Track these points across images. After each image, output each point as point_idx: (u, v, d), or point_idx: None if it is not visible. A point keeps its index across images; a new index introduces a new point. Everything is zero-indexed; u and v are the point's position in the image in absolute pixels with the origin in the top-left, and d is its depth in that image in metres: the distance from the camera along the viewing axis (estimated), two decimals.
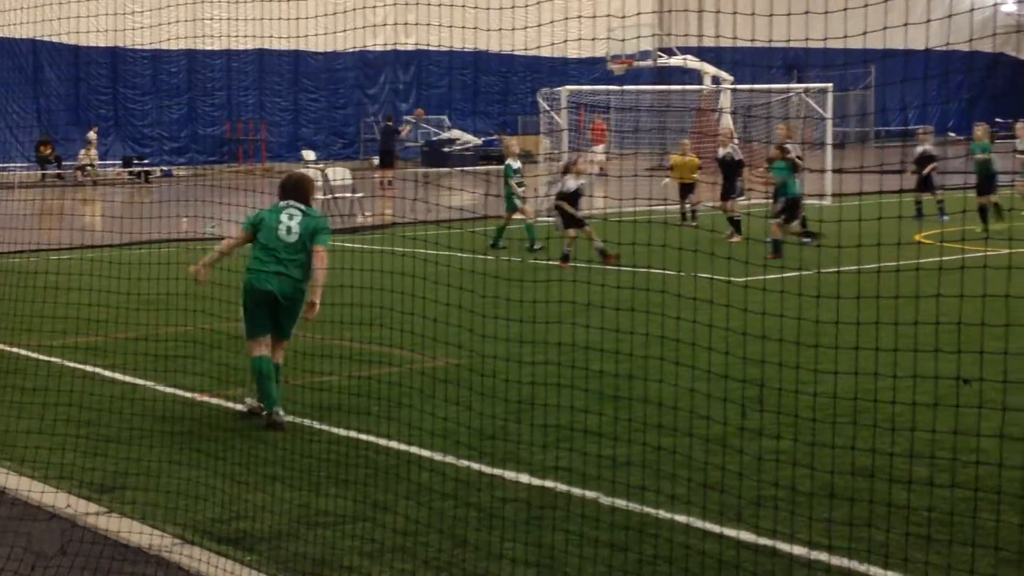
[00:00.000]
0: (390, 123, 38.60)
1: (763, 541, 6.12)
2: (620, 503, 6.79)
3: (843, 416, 7.96)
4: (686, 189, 24.11)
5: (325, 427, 8.83)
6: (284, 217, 9.30)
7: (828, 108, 31.35)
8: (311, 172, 28.75)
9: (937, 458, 7.31)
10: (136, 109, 49.12)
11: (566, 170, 19.39)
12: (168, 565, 6.22)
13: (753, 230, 20.47)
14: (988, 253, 14.83)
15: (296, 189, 9.56)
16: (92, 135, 45.05)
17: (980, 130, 23.37)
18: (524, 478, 7.37)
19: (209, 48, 48.11)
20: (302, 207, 9.41)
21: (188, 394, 9.96)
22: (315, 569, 6.01)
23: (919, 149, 24.98)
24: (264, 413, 8.99)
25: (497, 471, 7.51)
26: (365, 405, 8.98)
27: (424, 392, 9.14)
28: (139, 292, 10.58)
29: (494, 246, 20.18)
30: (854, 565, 5.81)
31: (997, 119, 36.04)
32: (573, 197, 18.80)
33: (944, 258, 17.42)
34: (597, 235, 18.21)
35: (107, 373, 10.89)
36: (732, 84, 37.13)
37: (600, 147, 29.71)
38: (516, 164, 21.49)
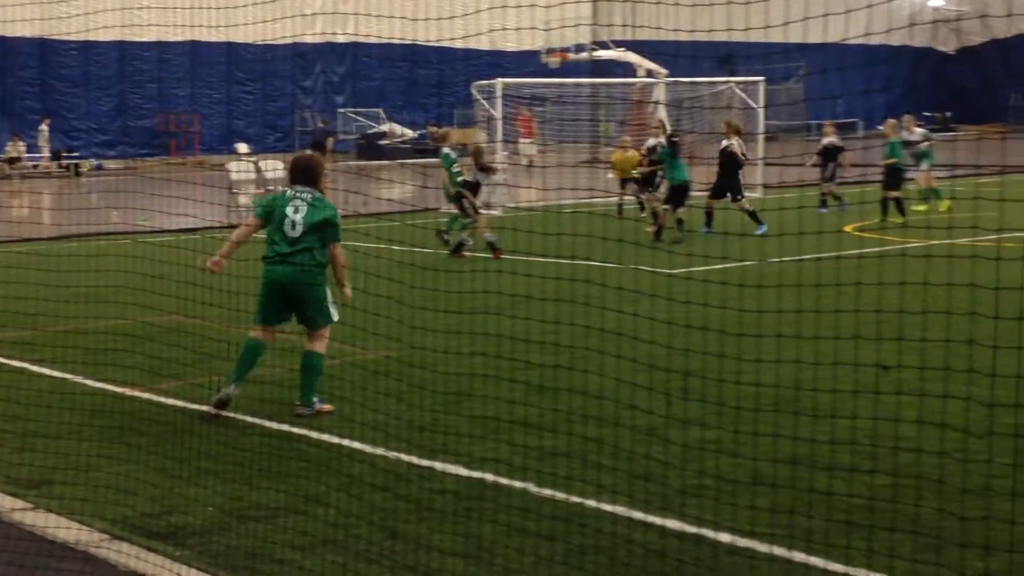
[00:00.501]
0: (325, 124, 38.49)
1: (690, 529, 6.19)
2: (551, 493, 6.84)
3: (768, 404, 8.07)
4: (625, 183, 24.42)
5: (258, 420, 8.79)
6: (290, 210, 9.10)
7: (760, 100, 31.64)
8: (241, 166, 28.60)
9: (858, 444, 7.43)
10: (65, 101, 48.50)
11: (480, 165, 19.50)
12: (96, 561, 6.17)
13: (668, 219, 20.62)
14: (907, 244, 15.07)
15: (304, 172, 9.35)
16: (44, 127, 44.44)
17: (888, 127, 23.86)
18: (457, 470, 7.39)
19: (140, 39, 47.59)
20: (309, 195, 9.19)
21: (119, 388, 9.87)
22: (247, 563, 5.99)
23: (824, 141, 25.44)
24: (218, 391, 8.93)
25: (430, 463, 7.53)
26: (299, 398, 8.97)
27: (357, 385, 9.13)
28: (69, 285, 10.53)
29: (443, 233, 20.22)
30: (778, 551, 5.89)
31: (925, 112, 36.53)
32: (475, 187, 19.12)
33: (865, 249, 17.74)
34: (489, 229, 18.56)
35: (36, 368, 10.77)
36: (666, 77, 37.32)
37: (528, 140, 29.84)
38: (455, 154, 21.54)
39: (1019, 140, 45.47)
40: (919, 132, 25.46)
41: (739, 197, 21.51)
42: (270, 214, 9.18)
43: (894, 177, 22.73)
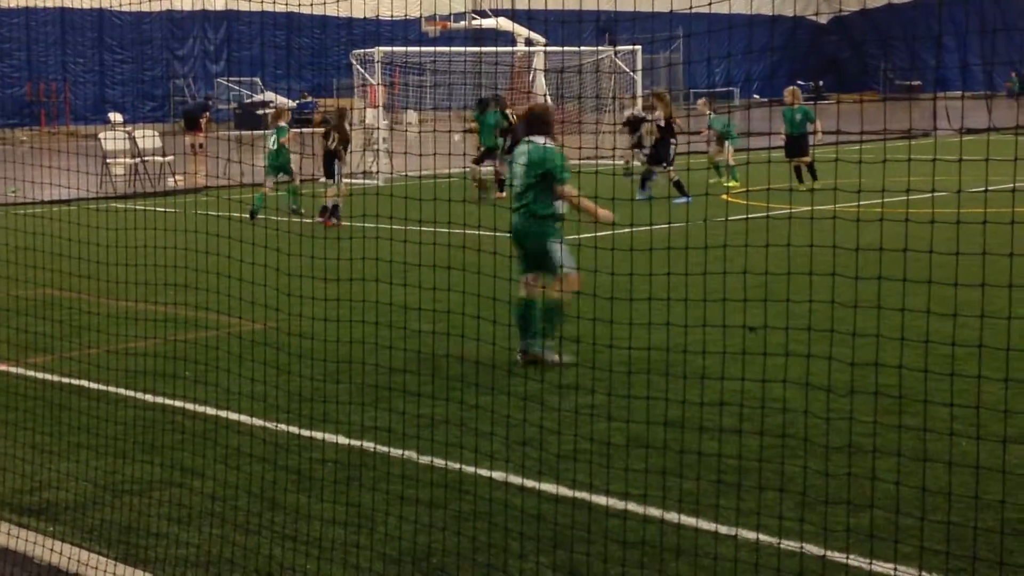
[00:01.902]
0: (208, 100, 37.82)
1: (569, 493, 6.22)
2: (436, 461, 6.81)
3: (656, 369, 8.13)
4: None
5: (134, 393, 8.60)
6: (516, 165, 9.34)
7: (637, 69, 31.86)
8: (114, 136, 27.91)
9: (746, 407, 7.52)
10: None
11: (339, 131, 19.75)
12: None
13: None
14: (793, 210, 15.32)
15: (536, 123, 9.49)
16: None
17: (789, 95, 24.06)
18: (338, 439, 7.32)
19: (7, 6, 46.16)
20: (530, 144, 9.30)
21: None
22: (123, 537, 5.86)
23: (627, 112, 25.62)
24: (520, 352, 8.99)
25: (311, 432, 7.44)
26: (176, 370, 8.79)
27: (236, 356, 8.98)
28: None
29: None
30: (653, 512, 5.94)
31: (799, 81, 37.17)
32: (335, 155, 19.49)
33: (751, 215, 18.00)
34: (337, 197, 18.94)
35: None
36: (545, 46, 37.36)
37: (372, 111, 29.72)
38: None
39: (890, 107, 46.54)
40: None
41: (667, 166, 21.92)
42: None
43: (798, 144, 22.88)
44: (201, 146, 29.62)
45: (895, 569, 5.19)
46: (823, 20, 69.52)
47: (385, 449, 7.07)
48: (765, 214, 18.02)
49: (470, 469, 6.64)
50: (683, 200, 20.15)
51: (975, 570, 5.18)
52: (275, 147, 20.37)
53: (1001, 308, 7.24)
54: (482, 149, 23.02)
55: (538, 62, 35.33)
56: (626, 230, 14.30)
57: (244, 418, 7.79)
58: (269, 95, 50.61)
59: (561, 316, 9.22)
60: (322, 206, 19.04)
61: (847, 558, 5.28)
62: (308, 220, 18.59)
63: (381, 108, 28.08)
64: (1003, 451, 6.23)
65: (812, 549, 5.44)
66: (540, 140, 9.41)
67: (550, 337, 9.15)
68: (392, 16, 50.89)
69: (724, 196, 21.29)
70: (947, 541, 5.42)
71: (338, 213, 18.88)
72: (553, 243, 9.20)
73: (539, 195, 9.21)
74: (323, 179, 19.73)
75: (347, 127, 19.83)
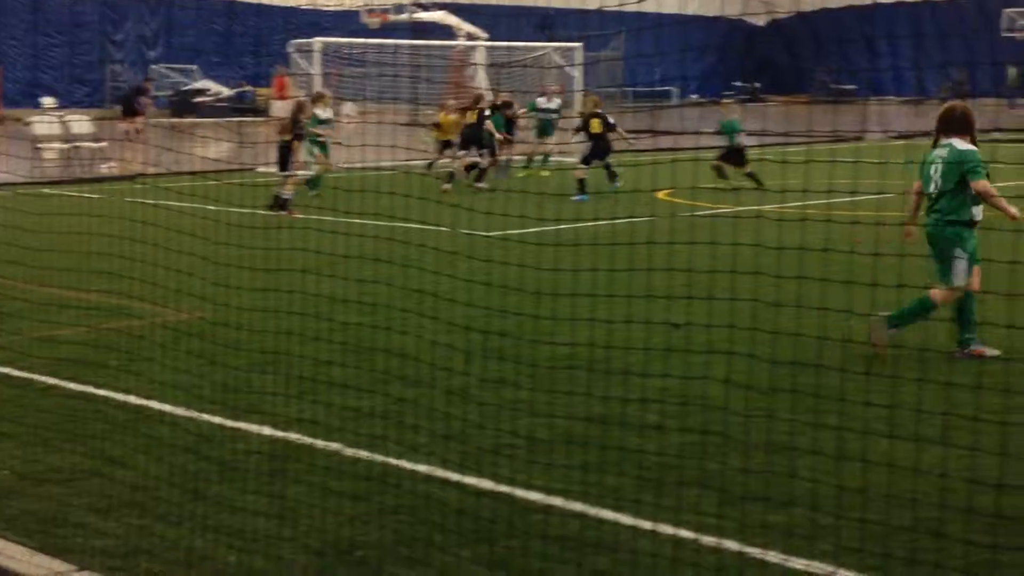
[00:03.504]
0: (147, 82, 37.33)
1: (498, 488, 6.26)
2: (362, 454, 6.82)
3: (582, 365, 8.19)
4: (446, 145, 24.57)
5: (59, 382, 8.52)
6: (931, 170, 8.86)
7: (577, 67, 31.97)
8: (46, 120, 27.55)
9: (668, 403, 7.60)
10: None
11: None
12: None
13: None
14: (720, 209, 15.47)
15: (955, 122, 8.97)
16: None
17: (724, 107, 24.35)
18: (266, 430, 7.31)
19: None
20: (948, 148, 8.83)
21: None
22: (42, 527, 5.81)
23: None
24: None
25: (238, 424, 7.43)
26: (103, 358, 8.72)
27: (166, 346, 8.93)
28: None
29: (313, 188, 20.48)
30: (588, 509, 6.00)
31: (735, 83, 37.47)
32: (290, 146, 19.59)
33: (680, 214, 18.14)
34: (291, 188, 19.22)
35: None
36: (486, 41, 37.38)
37: (280, 103, 29.68)
38: (324, 114, 22.07)
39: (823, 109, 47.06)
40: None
41: (603, 158, 22.35)
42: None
43: (738, 155, 22.96)
44: (138, 131, 29.31)
45: (810, 565, 5.29)
46: (760, 22, 70.10)
47: (312, 441, 7.08)
48: (691, 214, 18.19)
49: (396, 462, 6.67)
50: (580, 198, 20.51)
51: (888, 568, 5.29)
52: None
53: (943, 311, 7.37)
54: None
55: (479, 57, 35.34)
56: (554, 227, 14.39)
57: (170, 408, 7.75)
58: (206, 83, 50.17)
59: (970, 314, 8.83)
60: (282, 198, 19.10)
61: (764, 554, 5.38)
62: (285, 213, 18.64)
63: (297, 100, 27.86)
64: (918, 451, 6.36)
65: (730, 545, 5.53)
66: (959, 142, 8.91)
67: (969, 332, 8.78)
68: (332, 6, 50.62)
69: (660, 194, 21.41)
70: (862, 539, 5.52)
71: (289, 205, 19.08)
72: (959, 252, 8.77)
73: (954, 199, 8.75)
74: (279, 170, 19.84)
75: (302, 120, 19.86)
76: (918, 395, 6.90)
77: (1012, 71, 55.57)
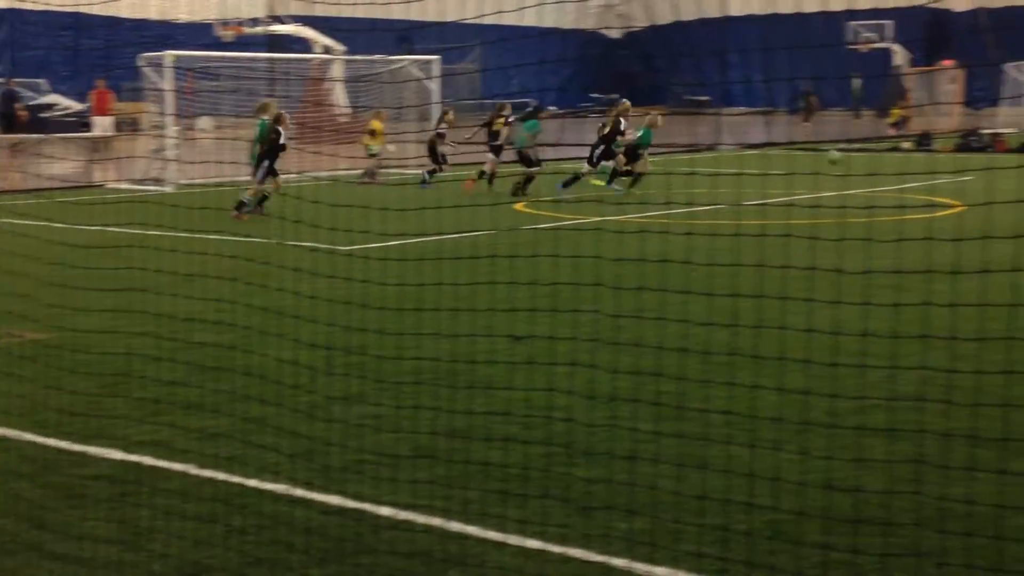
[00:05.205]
0: (10, 87, 36.09)
1: (351, 504, 6.14)
2: (213, 475, 6.63)
3: (442, 379, 8.09)
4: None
5: None
6: None
7: (435, 79, 31.93)
8: None
9: (531, 416, 7.54)
10: None
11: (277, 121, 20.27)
12: None
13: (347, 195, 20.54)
14: (578, 220, 15.54)
15: None
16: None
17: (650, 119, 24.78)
18: (113, 454, 7.05)
19: None
20: None
21: None
22: None
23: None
24: None
25: (83, 448, 7.15)
26: None
27: (3, 371, 8.56)
28: None
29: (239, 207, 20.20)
30: (436, 522, 5.91)
31: (592, 94, 37.85)
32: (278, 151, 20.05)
33: (539, 225, 18.19)
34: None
35: None
36: (344, 54, 37.12)
37: (104, 119, 29.20)
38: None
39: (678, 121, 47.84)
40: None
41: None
42: None
43: (631, 153, 23.67)
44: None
45: (673, 573, 5.28)
46: (616, 35, 71.05)
47: (162, 464, 6.86)
48: (554, 224, 18.25)
49: (248, 482, 6.49)
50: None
51: (730, 570, 5.31)
52: (259, 139, 20.53)
53: (775, 318, 7.47)
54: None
55: (336, 71, 35.07)
56: (414, 240, 14.29)
57: (10, 433, 7.42)
58: (55, 97, 48.80)
59: None
60: (254, 200, 19.50)
61: (627, 563, 5.36)
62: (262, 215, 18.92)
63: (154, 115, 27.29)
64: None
65: (593, 556, 5.49)
66: None
67: None
68: (185, 19, 49.76)
69: (518, 204, 21.46)
70: (722, 544, 5.54)
71: (245, 208, 19.43)
72: None
73: None
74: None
75: (280, 130, 20.10)
76: (775, 403, 6.98)
77: (857, 83, 57.28)
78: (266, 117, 21.21)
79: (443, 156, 25.86)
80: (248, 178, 20.76)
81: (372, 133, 25.90)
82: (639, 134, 23.76)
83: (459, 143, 25.16)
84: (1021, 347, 7.47)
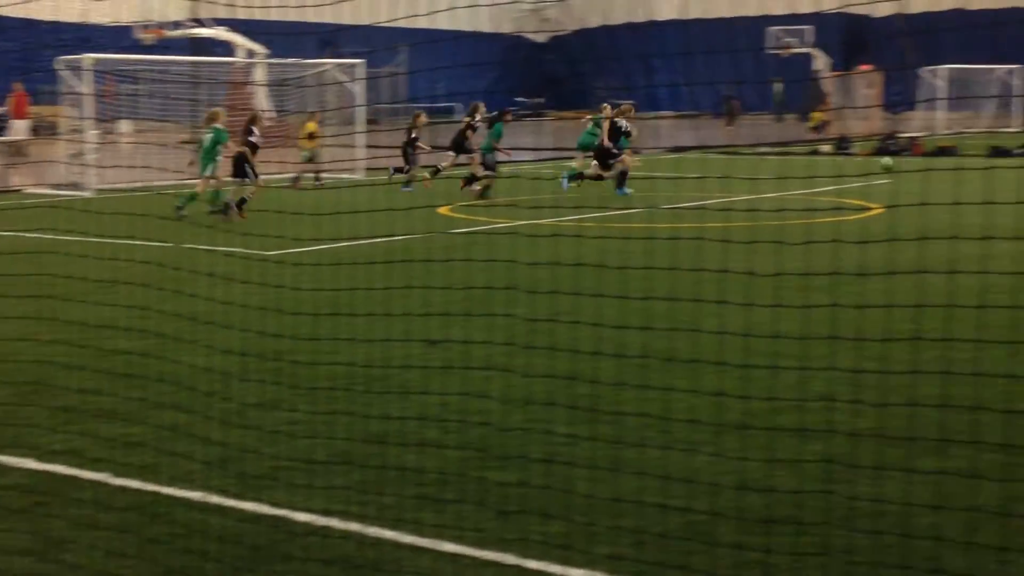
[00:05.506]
0: None
1: (269, 512, 6.12)
2: (131, 483, 6.58)
3: (359, 384, 8.09)
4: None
5: None
6: None
7: (359, 82, 31.82)
8: None
9: (448, 421, 7.58)
10: None
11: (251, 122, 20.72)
12: None
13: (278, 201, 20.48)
14: (496, 225, 15.58)
15: None
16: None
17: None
18: (26, 463, 6.97)
19: None
20: None
21: None
22: None
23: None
24: None
25: None
26: None
27: None
28: None
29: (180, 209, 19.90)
30: (354, 527, 5.91)
31: (517, 98, 37.96)
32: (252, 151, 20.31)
33: (463, 230, 18.21)
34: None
35: None
36: (267, 57, 36.88)
37: (21, 123, 28.98)
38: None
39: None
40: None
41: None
42: None
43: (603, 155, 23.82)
44: None
45: (589, 575, 5.33)
46: (541, 39, 71.25)
47: (77, 472, 6.79)
48: (475, 229, 18.28)
49: (167, 491, 6.45)
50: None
51: (663, 574, 5.37)
52: (208, 145, 20.55)
53: (689, 320, 7.56)
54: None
55: (259, 74, 34.82)
56: (335, 244, 14.25)
57: None
58: None
59: None
60: (232, 202, 19.61)
61: (543, 566, 5.40)
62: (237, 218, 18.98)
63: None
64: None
65: (510, 559, 5.53)
66: None
67: None
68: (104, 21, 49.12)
69: (444, 208, 21.46)
70: (637, 546, 5.60)
71: (228, 210, 19.55)
72: None
73: None
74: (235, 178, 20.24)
75: (255, 131, 20.48)
76: (688, 405, 7.07)
77: (777, 87, 57.94)
78: (218, 125, 21.26)
79: (415, 159, 25.94)
80: (197, 181, 20.76)
81: (310, 136, 25.87)
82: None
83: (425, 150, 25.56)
84: (927, 346, 7.63)
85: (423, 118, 26.98)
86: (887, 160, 24.51)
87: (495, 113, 25.62)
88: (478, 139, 24.95)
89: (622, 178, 23.41)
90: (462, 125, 25.46)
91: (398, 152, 26.29)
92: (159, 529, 5.92)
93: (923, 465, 6.50)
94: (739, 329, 7.33)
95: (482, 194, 23.30)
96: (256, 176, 20.27)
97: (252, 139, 20.52)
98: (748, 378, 7.48)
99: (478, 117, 25.26)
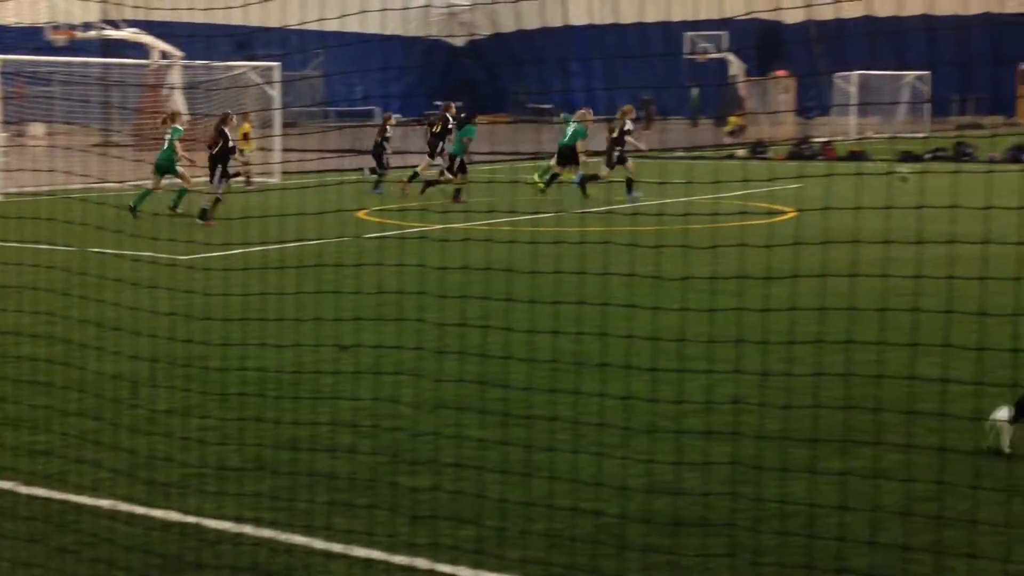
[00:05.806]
0: None
1: (182, 519, 6.09)
2: (38, 492, 6.50)
3: (272, 390, 8.07)
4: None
5: None
6: None
7: (276, 86, 31.65)
8: None
9: (359, 426, 7.58)
10: None
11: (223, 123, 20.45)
12: None
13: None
14: (425, 228, 15.58)
15: None
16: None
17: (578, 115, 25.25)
18: None
19: None
20: None
21: None
22: None
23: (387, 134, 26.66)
24: None
25: None
26: None
27: None
28: None
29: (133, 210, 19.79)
30: (279, 536, 5.91)
31: (436, 101, 37.96)
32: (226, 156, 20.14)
33: (386, 233, 18.19)
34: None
35: None
36: (182, 59, 36.50)
37: None
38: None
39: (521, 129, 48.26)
40: None
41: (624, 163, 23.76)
42: None
43: (569, 156, 24.23)
44: None
45: None
46: (458, 43, 71.28)
47: None
48: (397, 232, 18.27)
49: (77, 499, 6.38)
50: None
51: None
52: (166, 147, 20.50)
53: (600, 324, 7.64)
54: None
55: (174, 76, 34.46)
56: (248, 249, 14.17)
57: None
58: None
59: None
60: (209, 207, 19.36)
61: (455, 570, 5.43)
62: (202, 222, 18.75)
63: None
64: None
65: (422, 564, 5.55)
66: None
67: None
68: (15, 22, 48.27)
69: (360, 212, 21.41)
70: (547, 550, 5.66)
71: (209, 215, 19.27)
72: None
73: None
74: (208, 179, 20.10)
75: (227, 132, 20.26)
76: (598, 408, 7.14)
77: (695, 92, 58.57)
78: (177, 126, 21.11)
79: (387, 161, 26.00)
80: (148, 182, 20.74)
81: (245, 137, 25.78)
82: (570, 131, 24.22)
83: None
84: (830, 349, 7.78)
85: (394, 120, 27.23)
86: (904, 170, 22.54)
87: (465, 115, 25.71)
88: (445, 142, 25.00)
89: (630, 183, 23.46)
90: (437, 128, 25.32)
91: (317, 156, 26.31)
92: (68, 538, 5.86)
93: (828, 466, 6.63)
94: (647, 332, 7.42)
95: (456, 197, 23.30)
96: (228, 179, 20.17)
97: (225, 142, 20.21)
98: (656, 381, 7.57)
99: (450, 119, 25.30)
